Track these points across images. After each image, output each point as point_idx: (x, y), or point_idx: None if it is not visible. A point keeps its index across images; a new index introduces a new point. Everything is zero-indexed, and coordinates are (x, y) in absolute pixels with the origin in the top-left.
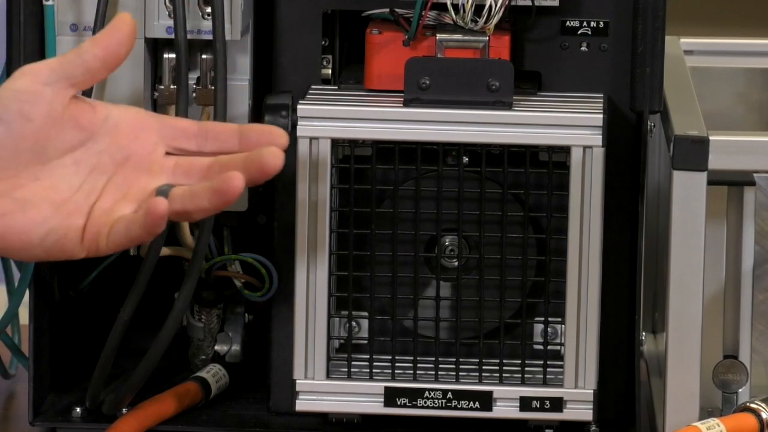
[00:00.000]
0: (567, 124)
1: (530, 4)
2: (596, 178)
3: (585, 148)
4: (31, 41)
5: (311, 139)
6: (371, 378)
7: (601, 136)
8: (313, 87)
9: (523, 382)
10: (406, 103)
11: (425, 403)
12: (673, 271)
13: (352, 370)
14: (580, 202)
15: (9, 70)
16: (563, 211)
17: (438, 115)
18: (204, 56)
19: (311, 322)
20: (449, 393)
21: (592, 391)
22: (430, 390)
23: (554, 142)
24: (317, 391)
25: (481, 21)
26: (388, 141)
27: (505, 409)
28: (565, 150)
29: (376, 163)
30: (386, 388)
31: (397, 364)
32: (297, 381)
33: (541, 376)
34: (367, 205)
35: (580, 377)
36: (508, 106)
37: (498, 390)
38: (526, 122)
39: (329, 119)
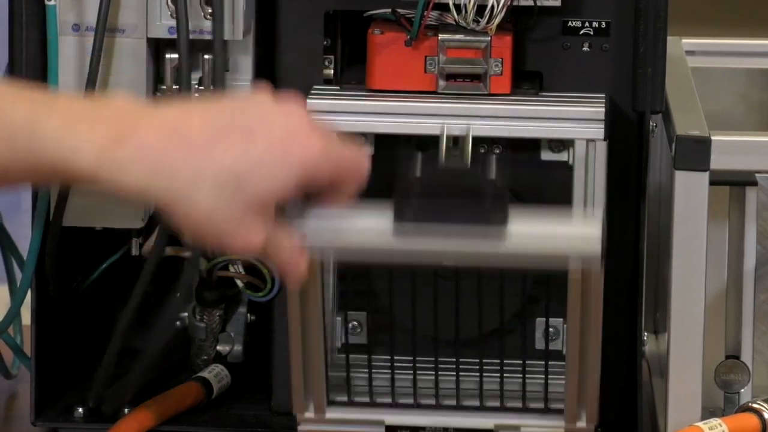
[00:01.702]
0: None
1: (532, 4)
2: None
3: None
4: (33, 41)
5: None
6: (371, 404)
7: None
8: (315, 87)
9: (523, 404)
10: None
11: None
12: (675, 271)
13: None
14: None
15: (12, 70)
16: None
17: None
18: (206, 56)
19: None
20: (450, 430)
21: None
22: (430, 428)
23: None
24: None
25: (483, 21)
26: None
27: None
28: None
29: (379, 160)
30: (387, 427)
31: (396, 377)
32: None
33: (542, 376)
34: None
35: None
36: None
37: (499, 423)
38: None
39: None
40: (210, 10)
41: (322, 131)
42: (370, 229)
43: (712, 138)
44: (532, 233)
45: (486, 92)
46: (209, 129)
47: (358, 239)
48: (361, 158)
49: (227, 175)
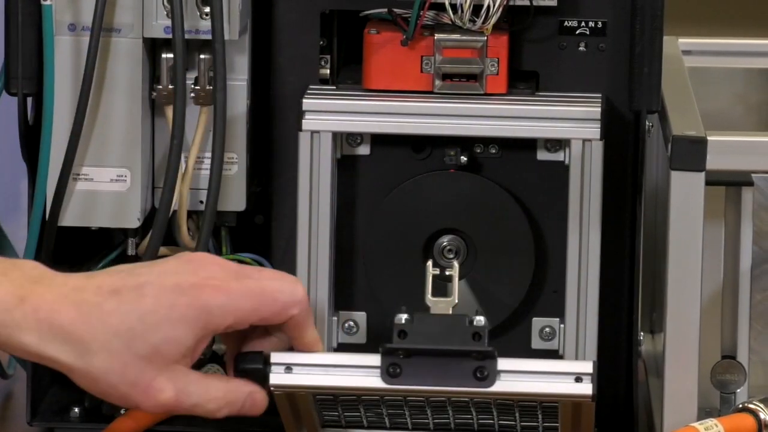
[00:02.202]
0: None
1: (528, 4)
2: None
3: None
4: (29, 41)
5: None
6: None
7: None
8: (311, 87)
9: None
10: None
11: None
12: (671, 271)
13: None
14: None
15: (7, 70)
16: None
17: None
18: (202, 56)
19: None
20: None
21: None
22: None
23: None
24: None
25: (479, 21)
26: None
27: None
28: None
29: (375, 160)
30: None
31: None
32: None
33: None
34: (363, 204)
35: None
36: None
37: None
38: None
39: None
40: (206, 10)
41: (233, 281)
42: (359, 377)
43: (708, 138)
44: (522, 380)
45: (482, 92)
46: (104, 289)
47: (347, 383)
48: (292, 291)
49: (115, 334)
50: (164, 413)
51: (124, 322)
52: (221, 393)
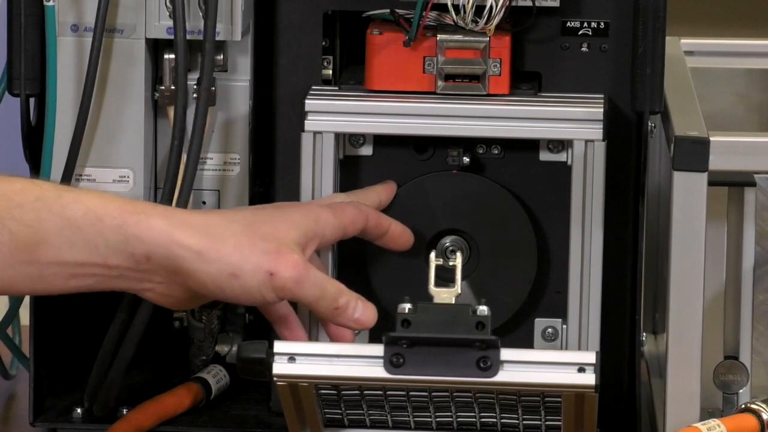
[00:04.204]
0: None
1: (531, 4)
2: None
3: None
4: (32, 42)
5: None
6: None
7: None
8: (313, 88)
9: None
10: (388, 365)
11: None
12: (673, 271)
13: None
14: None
15: (10, 70)
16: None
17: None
18: None
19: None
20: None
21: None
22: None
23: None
24: None
25: (482, 21)
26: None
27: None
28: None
29: (378, 161)
30: None
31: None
32: None
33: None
34: None
35: None
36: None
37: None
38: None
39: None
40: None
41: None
42: (362, 366)
43: (711, 138)
44: (525, 369)
45: (484, 93)
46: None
47: (350, 373)
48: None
49: (235, 221)
50: (286, 294)
51: (241, 217)
52: (336, 283)
